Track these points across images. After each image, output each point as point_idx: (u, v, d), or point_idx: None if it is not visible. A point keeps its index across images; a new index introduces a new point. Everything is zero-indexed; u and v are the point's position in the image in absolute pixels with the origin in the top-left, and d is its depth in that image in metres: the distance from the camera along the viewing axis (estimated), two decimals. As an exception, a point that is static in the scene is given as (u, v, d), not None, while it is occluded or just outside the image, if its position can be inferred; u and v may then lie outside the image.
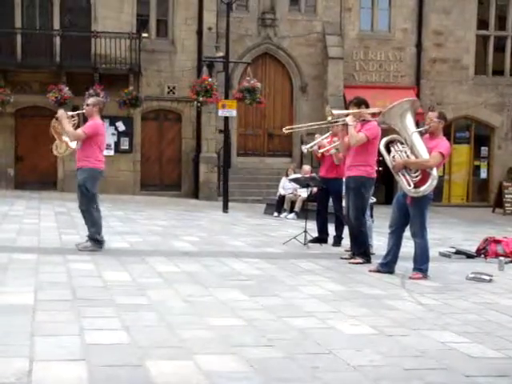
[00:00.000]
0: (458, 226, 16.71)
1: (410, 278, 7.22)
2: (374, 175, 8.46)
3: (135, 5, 20.79)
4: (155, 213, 15.20)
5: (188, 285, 6.24)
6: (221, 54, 19.21)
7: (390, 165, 7.35)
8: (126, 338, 4.25)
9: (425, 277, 7.29)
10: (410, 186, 7.13)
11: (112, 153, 20.75)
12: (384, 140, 7.50)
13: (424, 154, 7.14)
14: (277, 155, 22.83)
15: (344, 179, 8.73)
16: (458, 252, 9.65)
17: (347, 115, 8.35)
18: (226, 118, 17.63)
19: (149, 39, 21.07)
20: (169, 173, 21.52)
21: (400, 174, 7.22)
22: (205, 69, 20.20)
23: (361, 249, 8.35)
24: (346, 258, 8.58)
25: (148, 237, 10.18)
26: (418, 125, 7.52)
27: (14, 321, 4.51)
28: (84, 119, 8.82)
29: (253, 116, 22.45)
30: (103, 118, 22.57)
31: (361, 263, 8.15)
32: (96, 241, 8.19)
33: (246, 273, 7.17)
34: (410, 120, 7.34)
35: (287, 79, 22.81)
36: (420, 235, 7.32)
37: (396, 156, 7.27)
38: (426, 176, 7.12)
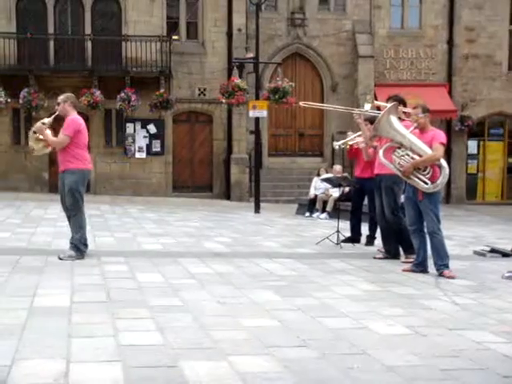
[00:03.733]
0: (492, 224, 16.48)
1: (448, 277, 7.13)
2: None
3: (165, 8, 20.94)
4: (187, 214, 15.28)
5: (221, 286, 6.26)
6: (251, 54, 19.23)
7: (397, 172, 7.47)
8: (161, 339, 4.28)
9: (451, 271, 7.27)
10: (426, 184, 7.21)
11: (144, 155, 20.95)
12: (380, 152, 7.66)
13: (426, 149, 7.28)
14: (308, 155, 22.78)
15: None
16: (493, 250, 9.51)
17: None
18: (257, 119, 17.64)
19: (179, 42, 21.17)
20: (200, 174, 21.62)
21: (412, 176, 7.30)
22: (235, 70, 20.24)
23: (408, 244, 8.17)
24: (379, 258, 8.55)
25: (180, 238, 10.24)
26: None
27: (51, 322, 4.57)
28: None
29: (283, 116, 22.44)
30: (135, 120, 22.82)
31: (382, 258, 8.39)
32: (78, 249, 7.59)
33: (279, 273, 7.16)
34: (397, 124, 7.52)
35: (317, 79, 22.74)
36: (437, 229, 7.32)
37: (401, 162, 7.39)
38: (435, 169, 7.24)
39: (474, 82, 22.94)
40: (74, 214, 7.65)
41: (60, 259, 7.38)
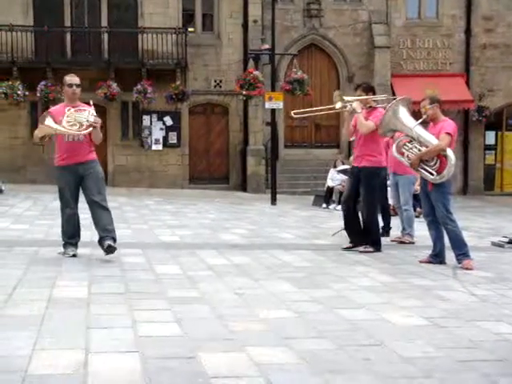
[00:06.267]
0: (510, 215, 16.36)
1: (465, 268, 7.10)
2: (385, 163, 8.43)
3: (181, 0, 20.93)
4: (204, 206, 15.32)
5: (238, 277, 6.28)
6: (266, 46, 19.20)
7: (407, 164, 7.55)
8: (178, 330, 4.30)
9: (471, 260, 7.22)
10: (432, 175, 7.22)
11: (160, 147, 21.02)
12: (393, 147, 7.71)
13: (433, 140, 7.27)
14: (324, 146, 22.71)
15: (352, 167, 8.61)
16: (512, 241, 9.45)
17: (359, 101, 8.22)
18: (273, 110, 17.63)
19: (195, 34, 21.18)
20: (217, 166, 21.65)
21: (420, 168, 7.33)
22: (251, 62, 20.22)
23: (373, 237, 8.27)
24: (348, 248, 8.35)
25: (197, 230, 10.27)
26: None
27: (70, 314, 4.61)
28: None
29: (300, 107, 22.22)
30: (151, 112, 22.81)
31: (371, 252, 8.11)
32: (115, 240, 7.06)
33: (296, 265, 7.17)
34: (405, 117, 7.51)
35: (333, 70, 22.65)
36: (448, 220, 7.28)
37: (410, 155, 7.44)
38: (443, 160, 7.21)
39: (491, 71, 22.73)
40: (108, 206, 7.10)
41: (111, 248, 6.88)
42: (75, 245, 7.17)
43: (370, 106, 8.22)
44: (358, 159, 8.29)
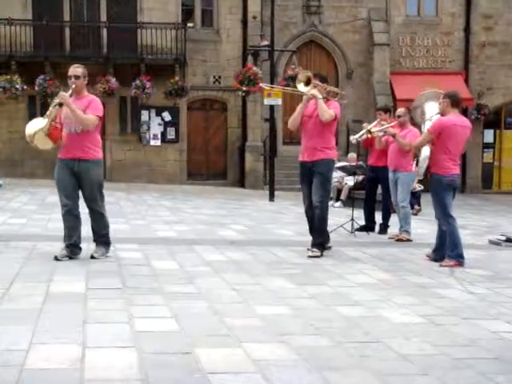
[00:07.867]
0: (508, 214, 16.38)
1: (441, 265, 7.14)
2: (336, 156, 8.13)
3: (180, -5, 20.90)
4: (202, 202, 15.31)
5: (235, 273, 6.28)
6: (265, 42, 19.16)
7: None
8: (175, 325, 4.30)
9: (458, 263, 7.18)
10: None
11: (159, 143, 21.00)
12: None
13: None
14: (323, 143, 22.65)
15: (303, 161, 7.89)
16: (509, 240, 9.46)
17: (325, 88, 7.88)
18: (272, 107, 17.60)
19: (194, 29, 21.15)
20: (215, 162, 21.63)
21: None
22: (250, 58, 20.20)
23: (320, 238, 7.69)
24: (314, 257, 7.57)
25: (195, 226, 10.26)
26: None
27: (67, 308, 4.61)
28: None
29: (297, 103, 22.32)
30: (150, 108, 22.73)
31: (318, 256, 7.44)
32: (108, 244, 6.89)
33: (293, 261, 7.17)
34: (428, 110, 7.57)
35: (333, 66, 22.61)
36: (444, 221, 7.26)
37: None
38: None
39: (490, 70, 22.73)
40: (99, 209, 6.75)
41: (94, 258, 6.67)
42: (68, 247, 6.65)
43: (325, 97, 7.81)
44: (310, 152, 7.68)
